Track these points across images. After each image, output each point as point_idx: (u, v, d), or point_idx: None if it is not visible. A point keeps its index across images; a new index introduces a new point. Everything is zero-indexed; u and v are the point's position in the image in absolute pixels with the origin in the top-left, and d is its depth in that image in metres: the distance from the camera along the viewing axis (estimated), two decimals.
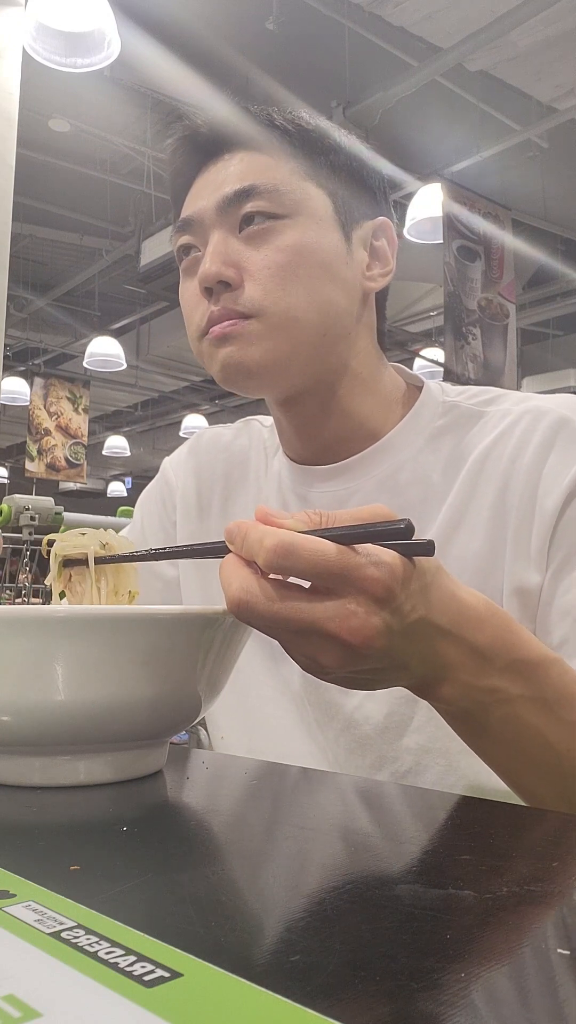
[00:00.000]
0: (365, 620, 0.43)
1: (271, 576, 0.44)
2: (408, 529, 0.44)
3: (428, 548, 0.45)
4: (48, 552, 0.58)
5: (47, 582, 0.58)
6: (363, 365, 0.75)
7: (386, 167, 0.78)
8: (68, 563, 0.57)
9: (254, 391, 0.73)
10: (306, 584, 0.44)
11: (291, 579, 0.44)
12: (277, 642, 0.46)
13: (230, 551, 0.46)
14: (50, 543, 0.58)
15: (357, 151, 0.76)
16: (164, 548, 0.53)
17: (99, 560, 0.56)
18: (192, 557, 0.53)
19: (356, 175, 0.75)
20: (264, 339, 0.69)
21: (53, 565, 0.57)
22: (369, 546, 0.44)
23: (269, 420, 0.88)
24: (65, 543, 0.57)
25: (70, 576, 0.57)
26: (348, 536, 0.44)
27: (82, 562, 0.56)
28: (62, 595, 0.57)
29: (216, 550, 0.48)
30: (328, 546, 0.43)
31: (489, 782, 0.65)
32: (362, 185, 0.76)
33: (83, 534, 0.57)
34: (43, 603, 2.85)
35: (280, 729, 0.76)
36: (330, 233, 0.72)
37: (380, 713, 0.70)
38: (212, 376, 0.73)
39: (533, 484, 0.67)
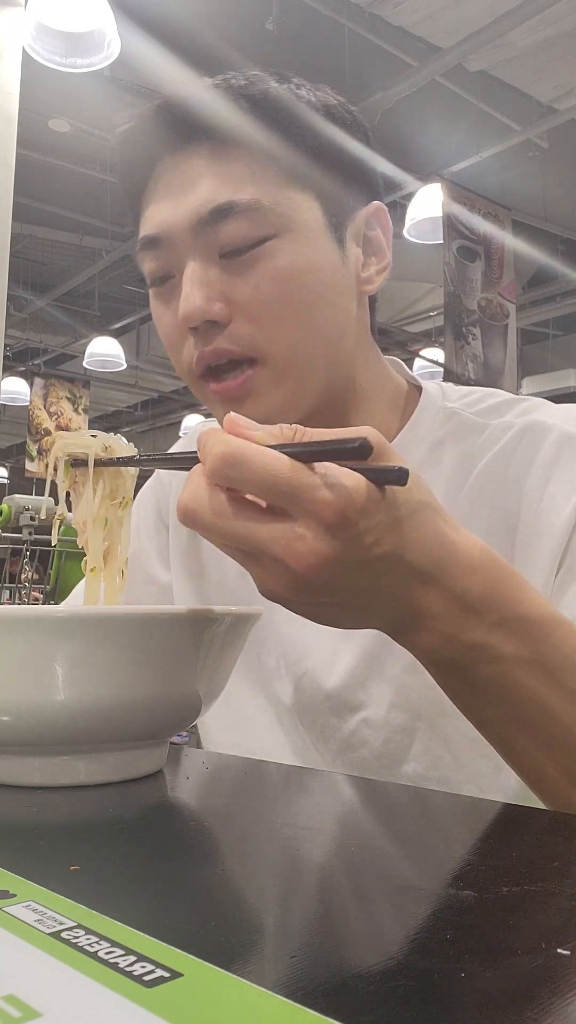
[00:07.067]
0: (312, 546, 0.40)
1: (228, 490, 0.41)
2: (362, 448, 0.39)
3: (400, 476, 0.40)
4: (57, 456, 0.58)
5: (57, 480, 0.57)
6: (363, 371, 0.72)
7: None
8: (76, 464, 0.57)
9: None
10: (263, 503, 0.42)
11: (249, 496, 0.42)
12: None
13: None
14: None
15: (341, 127, 0.68)
16: (150, 455, 0.56)
17: (98, 463, 0.56)
18: (170, 468, 0.53)
19: (343, 159, 0.67)
20: (276, 386, 0.64)
21: (61, 465, 0.56)
22: (330, 466, 0.40)
23: None
24: (69, 441, 0.56)
25: (75, 477, 0.57)
26: (306, 453, 0.39)
27: (84, 463, 0.56)
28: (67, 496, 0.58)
29: (193, 459, 0.45)
30: (282, 461, 0.39)
31: None
32: (351, 170, 0.68)
33: (94, 435, 0.57)
34: (43, 603, 2.85)
35: (274, 752, 0.75)
36: (323, 245, 0.65)
37: (378, 740, 0.69)
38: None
39: (539, 503, 0.65)
